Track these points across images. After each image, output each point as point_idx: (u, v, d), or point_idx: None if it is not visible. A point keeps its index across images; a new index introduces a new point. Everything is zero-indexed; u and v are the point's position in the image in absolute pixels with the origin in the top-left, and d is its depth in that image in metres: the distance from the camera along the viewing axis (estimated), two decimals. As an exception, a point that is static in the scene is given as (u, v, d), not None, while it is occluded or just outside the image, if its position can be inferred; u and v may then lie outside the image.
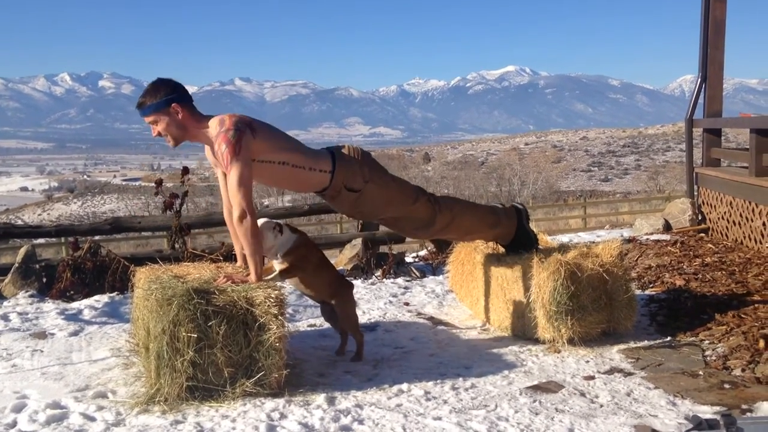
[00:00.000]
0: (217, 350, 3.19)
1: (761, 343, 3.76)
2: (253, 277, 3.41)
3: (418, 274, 6.32)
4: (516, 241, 4.26)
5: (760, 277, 5.14)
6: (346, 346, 4.02)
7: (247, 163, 3.35)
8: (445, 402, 3.25)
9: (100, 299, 5.44)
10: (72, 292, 5.67)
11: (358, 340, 3.95)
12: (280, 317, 3.23)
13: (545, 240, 4.72)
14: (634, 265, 6.01)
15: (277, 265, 3.68)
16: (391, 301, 5.40)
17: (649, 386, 3.39)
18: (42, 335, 4.50)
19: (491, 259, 4.47)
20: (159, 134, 3.47)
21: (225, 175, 3.48)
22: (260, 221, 3.57)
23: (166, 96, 3.40)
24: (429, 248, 7.51)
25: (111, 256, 5.97)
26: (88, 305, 5.29)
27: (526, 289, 4.05)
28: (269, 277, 3.63)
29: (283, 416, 3.08)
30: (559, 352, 3.93)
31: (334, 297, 3.86)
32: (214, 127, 3.43)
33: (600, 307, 4.00)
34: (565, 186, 58.53)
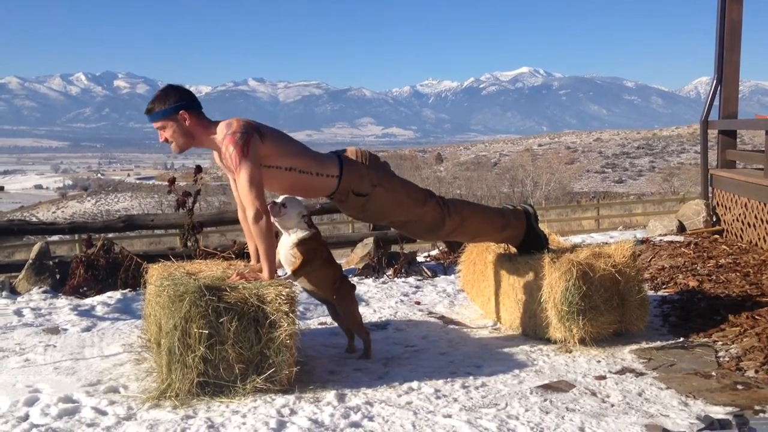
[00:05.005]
0: (228, 346, 3.20)
1: (775, 345, 3.73)
2: (266, 275, 3.42)
3: (429, 273, 6.31)
4: (525, 242, 4.25)
5: (774, 279, 5.10)
6: (354, 343, 4.03)
7: (256, 163, 3.37)
8: (456, 400, 3.24)
9: (113, 296, 5.48)
10: (85, 289, 5.72)
11: (365, 339, 3.95)
12: (291, 314, 3.24)
13: (557, 241, 4.70)
14: (648, 266, 5.98)
15: (287, 262, 3.67)
16: (402, 300, 5.39)
17: (660, 386, 3.37)
18: (55, 330, 4.53)
19: (503, 259, 4.46)
20: (166, 140, 3.51)
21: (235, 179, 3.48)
22: (286, 198, 3.61)
23: (175, 103, 3.43)
24: (441, 248, 7.51)
25: (124, 253, 6.01)
26: (100, 301, 5.32)
27: (538, 288, 4.03)
28: (282, 275, 3.63)
29: (293, 412, 3.08)
30: (570, 351, 3.91)
31: (337, 295, 3.86)
32: (221, 131, 3.44)
33: (612, 308, 3.98)
34: (579, 187, 58.28)
